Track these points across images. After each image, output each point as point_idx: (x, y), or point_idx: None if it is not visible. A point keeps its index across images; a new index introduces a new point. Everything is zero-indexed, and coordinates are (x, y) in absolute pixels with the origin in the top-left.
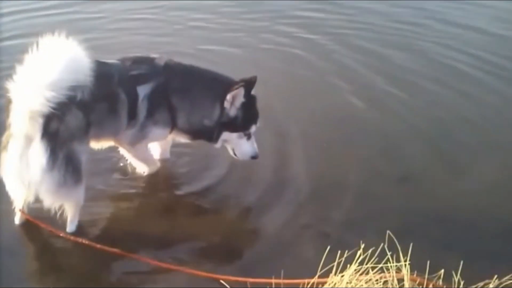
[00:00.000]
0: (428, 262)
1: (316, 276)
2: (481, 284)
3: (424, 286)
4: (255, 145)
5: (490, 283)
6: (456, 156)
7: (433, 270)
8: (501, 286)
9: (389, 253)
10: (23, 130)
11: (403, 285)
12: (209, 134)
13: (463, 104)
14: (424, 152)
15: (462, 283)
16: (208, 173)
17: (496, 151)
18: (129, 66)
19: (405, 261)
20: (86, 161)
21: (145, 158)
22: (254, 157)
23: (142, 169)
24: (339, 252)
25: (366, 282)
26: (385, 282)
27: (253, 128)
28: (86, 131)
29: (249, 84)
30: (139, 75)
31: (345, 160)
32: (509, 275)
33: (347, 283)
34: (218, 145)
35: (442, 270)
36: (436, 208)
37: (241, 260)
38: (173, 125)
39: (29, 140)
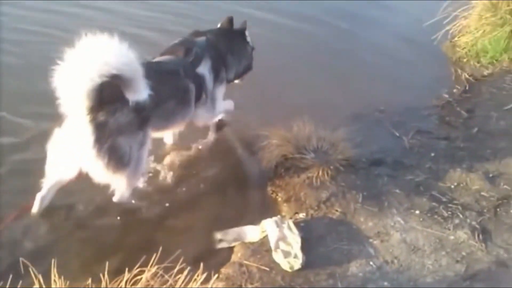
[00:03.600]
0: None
1: None
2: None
3: None
4: None
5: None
6: None
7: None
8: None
9: None
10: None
11: None
12: (248, 69)
13: None
14: None
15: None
16: None
17: None
18: (184, 55)
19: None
20: (138, 151)
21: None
22: None
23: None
24: None
25: None
26: None
27: None
28: (140, 127)
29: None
30: (195, 59)
31: None
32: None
33: None
34: None
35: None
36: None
37: None
38: None
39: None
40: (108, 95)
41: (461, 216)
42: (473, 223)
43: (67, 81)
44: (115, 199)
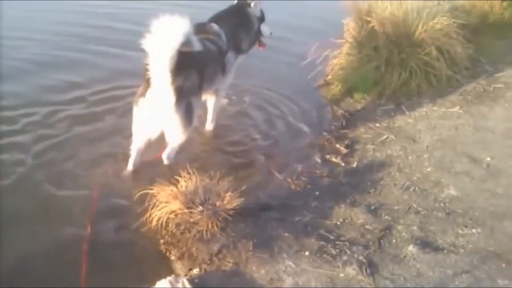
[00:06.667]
0: None
1: None
2: None
3: None
4: None
5: None
6: None
7: None
8: None
9: None
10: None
11: None
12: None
13: None
14: None
15: None
16: None
17: None
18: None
19: None
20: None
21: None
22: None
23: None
24: None
25: None
26: None
27: None
28: (200, 88)
29: None
30: (221, 45)
31: None
32: None
33: None
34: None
35: None
36: None
37: None
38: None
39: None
40: (182, 63)
41: (348, 252)
42: (360, 257)
43: (153, 52)
44: (164, 157)
